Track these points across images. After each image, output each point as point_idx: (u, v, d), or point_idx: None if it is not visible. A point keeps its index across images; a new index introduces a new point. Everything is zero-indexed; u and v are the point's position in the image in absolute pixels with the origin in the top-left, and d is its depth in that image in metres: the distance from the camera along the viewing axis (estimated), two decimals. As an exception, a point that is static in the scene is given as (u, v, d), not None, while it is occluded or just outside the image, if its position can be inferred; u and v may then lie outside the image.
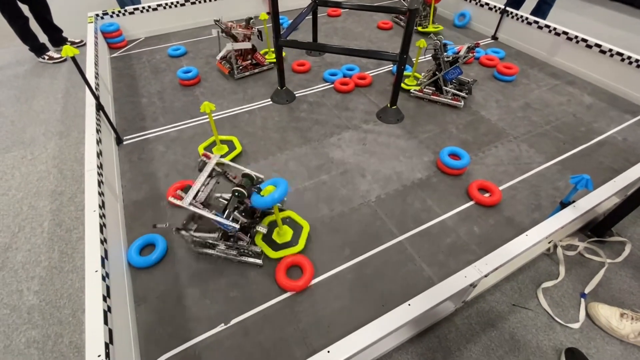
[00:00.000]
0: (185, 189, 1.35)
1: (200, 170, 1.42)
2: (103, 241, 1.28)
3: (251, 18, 2.59)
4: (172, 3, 3.26)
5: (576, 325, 1.43)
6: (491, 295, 1.53)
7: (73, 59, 1.62)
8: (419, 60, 2.61)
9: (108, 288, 1.17)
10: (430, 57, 2.35)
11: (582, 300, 1.50)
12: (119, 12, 3.12)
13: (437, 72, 2.36)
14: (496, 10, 3.18)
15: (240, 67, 2.67)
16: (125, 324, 1.23)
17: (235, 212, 1.39)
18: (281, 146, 2.10)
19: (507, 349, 1.37)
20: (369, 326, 1.07)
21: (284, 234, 1.56)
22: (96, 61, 2.40)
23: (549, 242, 1.68)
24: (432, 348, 1.37)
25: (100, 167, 1.61)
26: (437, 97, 2.42)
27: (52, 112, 2.74)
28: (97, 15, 3.04)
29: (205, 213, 1.31)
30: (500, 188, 1.83)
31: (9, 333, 1.48)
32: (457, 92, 2.39)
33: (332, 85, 2.62)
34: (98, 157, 1.63)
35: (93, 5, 3.60)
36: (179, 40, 3.22)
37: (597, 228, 1.75)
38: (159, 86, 2.62)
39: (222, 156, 1.97)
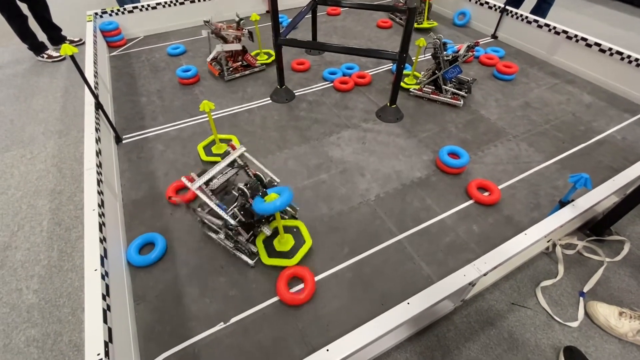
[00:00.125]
0: (199, 173, 1.37)
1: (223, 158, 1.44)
2: (102, 240, 1.28)
3: (242, 19, 2.54)
4: (171, 2, 3.25)
5: (575, 324, 1.43)
6: (490, 293, 1.54)
7: (72, 57, 1.62)
8: (418, 59, 2.61)
9: (107, 287, 1.17)
10: (430, 56, 2.34)
11: (581, 299, 1.51)
12: (118, 10, 3.11)
13: (436, 71, 2.36)
14: (496, 9, 3.17)
15: (231, 69, 2.64)
16: (124, 322, 1.23)
17: (236, 209, 1.39)
18: (280, 145, 2.10)
19: (506, 347, 1.37)
20: (368, 325, 1.08)
21: (285, 243, 1.52)
22: (95, 60, 2.40)
23: (548, 241, 1.68)
24: (431, 346, 1.37)
25: (99, 166, 1.60)
26: (437, 96, 2.42)
27: (51, 111, 2.74)
28: (96, 13, 3.03)
29: (207, 200, 1.34)
30: (500, 187, 1.83)
31: (8, 332, 1.48)
32: (457, 91, 2.39)
33: (332, 84, 2.61)
34: (97, 156, 1.63)
35: (92, 4, 3.60)
36: (178, 39, 3.21)
37: (596, 227, 1.75)
38: (158, 85, 2.61)
39: (222, 155, 1.98)
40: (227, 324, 1.32)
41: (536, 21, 2.89)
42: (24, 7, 3.15)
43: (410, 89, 2.50)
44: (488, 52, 2.98)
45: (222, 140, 2.07)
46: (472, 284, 1.26)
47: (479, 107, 2.41)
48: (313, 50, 3.01)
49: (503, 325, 1.44)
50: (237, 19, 2.54)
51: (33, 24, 3.26)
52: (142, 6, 3.17)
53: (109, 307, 1.12)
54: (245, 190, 1.38)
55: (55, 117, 2.67)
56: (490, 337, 1.40)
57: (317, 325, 1.31)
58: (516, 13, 3.03)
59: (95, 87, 2.09)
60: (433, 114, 2.35)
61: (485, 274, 1.22)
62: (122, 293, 1.31)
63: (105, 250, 1.27)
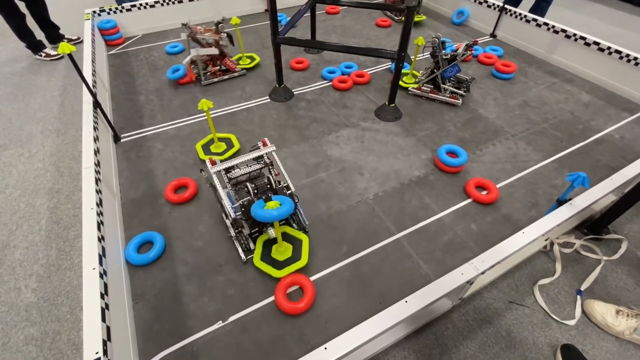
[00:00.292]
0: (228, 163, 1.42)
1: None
2: (101, 239, 1.28)
3: (220, 22, 2.45)
4: (169, 0, 3.24)
5: (572, 322, 1.44)
6: (488, 292, 1.54)
7: (70, 56, 1.62)
8: (417, 58, 2.61)
9: (106, 285, 1.17)
10: (429, 55, 2.34)
11: (578, 297, 1.51)
12: (116, 9, 3.10)
13: (435, 70, 2.36)
14: (495, 8, 3.17)
15: (208, 73, 2.57)
16: (123, 321, 1.23)
17: (242, 203, 1.40)
18: (279, 144, 2.09)
19: (504, 345, 1.38)
20: (366, 323, 1.08)
21: (282, 252, 1.49)
22: (93, 58, 2.39)
23: (546, 240, 1.68)
24: (429, 345, 1.38)
25: (97, 164, 1.60)
26: (435, 95, 2.42)
27: (49, 109, 2.73)
28: (94, 12, 3.02)
29: (218, 187, 1.38)
30: (498, 186, 1.83)
31: (7, 330, 1.48)
32: (455, 90, 2.40)
33: (331, 83, 2.61)
34: (95, 154, 1.63)
35: (90, 2, 3.59)
36: (177, 38, 3.20)
37: (593, 225, 1.76)
38: (156, 84, 2.61)
39: (219, 154, 1.98)
40: (226, 322, 1.32)
41: (535, 20, 2.89)
42: (21, 6, 3.13)
43: (409, 88, 2.50)
44: (487, 51, 2.98)
45: (220, 139, 2.07)
46: (470, 283, 1.26)
47: (478, 106, 2.41)
48: (312, 49, 3.01)
49: (501, 323, 1.44)
50: (217, 20, 2.43)
51: (31, 22, 3.25)
52: (140, 4, 3.16)
53: (107, 305, 1.12)
54: (250, 189, 1.39)
55: (54, 115, 2.66)
56: (488, 335, 1.41)
57: (316, 324, 1.31)
58: (515, 12, 3.03)
59: (94, 86, 2.08)
60: (431, 112, 2.35)
61: (483, 273, 1.22)
62: (120, 292, 1.31)
63: (103, 249, 1.27)
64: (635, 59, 2.40)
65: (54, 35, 3.52)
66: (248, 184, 1.42)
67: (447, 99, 2.39)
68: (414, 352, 1.36)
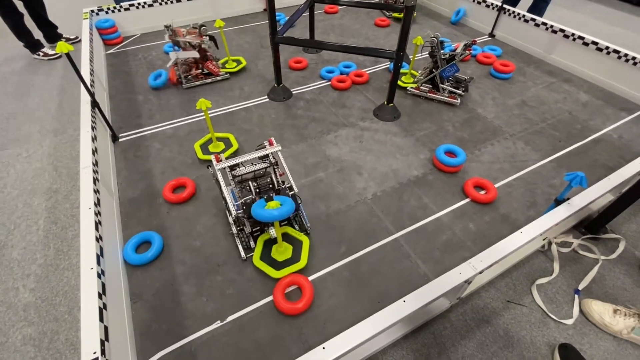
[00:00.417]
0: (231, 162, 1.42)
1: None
2: (98, 239, 1.28)
3: (203, 25, 2.37)
4: (168, -1, 3.24)
5: (570, 322, 1.44)
6: (486, 291, 1.55)
7: (68, 55, 1.61)
8: (415, 58, 2.61)
9: (104, 285, 1.16)
10: (427, 55, 2.35)
11: (576, 296, 1.52)
12: (115, 8, 3.09)
13: (433, 70, 2.36)
14: (493, 8, 3.17)
15: (189, 77, 2.52)
16: (121, 321, 1.23)
17: (244, 201, 1.40)
18: (279, 144, 2.09)
19: (502, 344, 1.38)
20: (365, 322, 1.08)
21: (282, 253, 1.49)
22: (91, 58, 2.39)
23: (544, 239, 1.69)
24: (427, 344, 1.38)
25: (95, 164, 1.60)
26: (434, 95, 2.42)
27: (47, 109, 2.72)
28: (92, 11, 3.01)
29: (222, 183, 1.39)
30: (496, 185, 1.83)
31: (5, 330, 1.48)
32: (454, 90, 2.40)
33: (329, 83, 2.61)
34: (93, 154, 1.63)
35: (88, 1, 3.58)
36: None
37: (591, 225, 1.76)
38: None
39: (219, 153, 1.98)
40: (224, 322, 1.32)
41: (533, 20, 2.90)
42: (19, 5, 3.13)
43: (408, 88, 2.50)
44: (485, 50, 2.99)
45: (219, 139, 2.07)
46: (468, 282, 1.27)
47: (476, 106, 2.42)
48: (310, 49, 3.01)
49: (499, 322, 1.45)
50: (200, 23, 2.40)
51: (29, 21, 3.24)
52: (139, 4, 3.15)
53: (105, 305, 1.11)
54: (253, 187, 1.40)
55: (51, 115, 2.66)
56: (486, 334, 1.41)
57: (314, 324, 1.31)
58: (513, 12, 3.03)
59: (92, 85, 2.08)
60: (430, 112, 2.36)
61: (481, 272, 1.22)
62: (118, 291, 1.31)
63: (101, 248, 1.27)
64: (634, 58, 2.40)
65: (52, 34, 3.51)
66: (251, 182, 1.42)
67: (446, 98, 2.39)
68: (412, 351, 1.36)
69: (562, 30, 2.72)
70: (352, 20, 3.55)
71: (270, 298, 1.38)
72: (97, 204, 1.42)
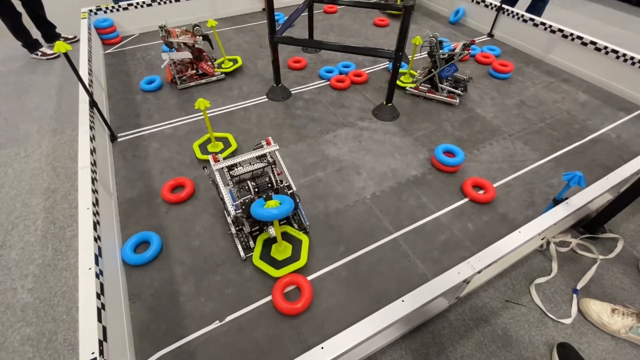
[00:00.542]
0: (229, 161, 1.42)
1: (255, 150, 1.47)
2: (97, 239, 1.28)
3: (197, 25, 2.37)
4: (166, -1, 3.23)
5: (568, 321, 1.44)
6: (484, 291, 1.55)
7: (66, 55, 1.61)
8: (414, 58, 2.61)
9: (102, 285, 1.16)
10: (426, 55, 2.34)
11: (574, 296, 1.52)
12: (113, 7, 3.09)
13: (432, 70, 2.36)
14: (492, 8, 3.18)
15: (184, 77, 2.51)
16: (119, 321, 1.23)
17: (242, 201, 1.40)
18: (276, 143, 2.09)
19: (500, 344, 1.38)
20: (363, 322, 1.08)
21: (282, 252, 1.49)
22: (90, 57, 2.38)
23: (542, 239, 1.69)
24: (426, 344, 1.38)
25: (94, 164, 1.60)
26: (433, 95, 2.42)
27: (46, 109, 2.72)
28: (91, 10, 3.01)
29: (220, 184, 1.38)
30: (495, 185, 1.84)
31: (3, 331, 1.48)
32: (453, 90, 2.40)
33: (328, 83, 2.61)
34: (92, 154, 1.63)
35: (86, 1, 3.56)
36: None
37: (589, 225, 1.77)
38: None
39: (217, 153, 1.97)
40: (223, 322, 1.32)
41: (532, 20, 2.90)
42: (17, 4, 3.11)
43: (407, 88, 2.50)
44: (484, 50, 2.99)
45: (217, 139, 2.07)
46: (466, 282, 1.27)
47: (475, 106, 2.42)
48: (309, 49, 3.00)
49: (497, 322, 1.45)
50: (194, 23, 2.39)
51: (27, 21, 3.23)
52: (137, 3, 3.15)
53: (103, 305, 1.11)
54: (251, 187, 1.39)
55: (50, 115, 2.65)
56: (484, 334, 1.41)
57: (313, 323, 1.31)
58: (512, 11, 3.04)
59: (90, 85, 2.08)
60: (429, 112, 2.36)
61: (479, 272, 1.23)
62: (117, 292, 1.31)
63: (99, 249, 1.27)
64: (632, 58, 2.41)
65: (50, 34, 3.50)
66: (249, 182, 1.42)
67: (445, 98, 2.40)
68: (410, 351, 1.36)
69: (560, 30, 2.73)
70: (351, 20, 3.55)
71: (269, 298, 1.38)
72: (96, 204, 1.42)
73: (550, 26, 2.79)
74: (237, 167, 1.44)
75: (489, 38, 3.26)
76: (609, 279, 1.60)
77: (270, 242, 1.53)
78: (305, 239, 1.54)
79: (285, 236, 1.56)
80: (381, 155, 2.03)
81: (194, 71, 2.54)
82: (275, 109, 2.37)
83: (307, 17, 2.84)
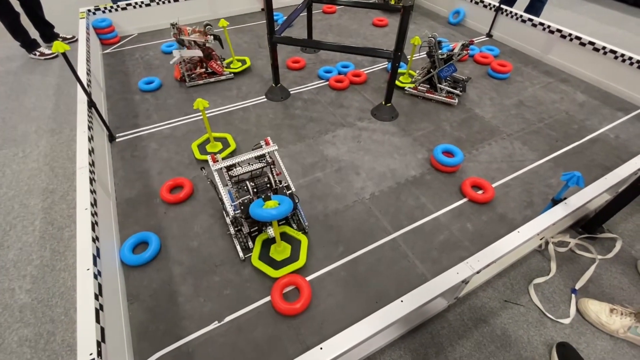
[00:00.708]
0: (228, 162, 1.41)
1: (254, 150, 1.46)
2: (95, 239, 1.28)
3: (208, 24, 2.37)
4: (165, -1, 3.23)
5: (567, 321, 1.45)
6: (483, 291, 1.55)
7: (64, 55, 1.61)
8: (413, 58, 2.61)
9: (100, 286, 1.16)
10: (425, 55, 2.35)
11: (573, 296, 1.52)
12: (112, 7, 3.08)
13: (431, 70, 2.36)
14: (491, 8, 3.18)
15: (193, 75, 2.53)
16: (117, 322, 1.23)
17: (241, 201, 1.40)
18: (275, 143, 2.08)
19: (499, 344, 1.39)
20: (362, 323, 1.08)
21: (281, 252, 1.48)
22: (88, 57, 2.38)
23: (541, 239, 1.69)
24: (425, 344, 1.38)
25: (92, 164, 1.59)
26: (432, 95, 2.42)
27: (44, 109, 2.71)
28: (89, 10, 3.00)
29: (219, 184, 1.37)
30: (493, 185, 1.84)
31: (1, 332, 1.47)
32: (452, 90, 2.40)
33: (327, 83, 2.61)
34: (90, 154, 1.62)
35: (85, 1, 3.56)
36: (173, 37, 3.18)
37: (588, 225, 1.77)
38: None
39: (216, 153, 1.97)
40: (222, 322, 1.31)
41: (531, 20, 2.91)
42: (16, 4, 3.10)
43: (405, 88, 2.50)
44: (483, 50, 2.99)
45: (216, 139, 2.06)
46: (465, 282, 1.27)
47: (474, 106, 2.42)
48: (308, 49, 3.00)
49: (496, 322, 1.45)
50: (206, 22, 2.39)
51: (25, 21, 3.22)
52: (136, 3, 3.14)
53: (101, 306, 1.11)
54: (250, 187, 1.39)
55: (48, 115, 2.64)
56: (483, 334, 1.41)
57: (312, 324, 1.31)
58: (511, 12, 3.04)
59: (88, 85, 2.07)
60: (428, 112, 2.36)
61: (478, 272, 1.23)
62: (115, 292, 1.31)
63: (98, 249, 1.26)
64: (630, 58, 2.41)
65: (49, 34, 3.49)
66: (248, 182, 1.42)
67: (444, 98, 2.40)
68: (409, 351, 1.36)
69: (559, 31, 2.73)
70: (350, 20, 3.55)
71: (268, 298, 1.38)
72: (94, 204, 1.42)
73: (548, 26, 2.80)
74: (236, 168, 1.44)
75: (487, 38, 3.27)
76: (608, 279, 1.61)
77: (269, 242, 1.53)
78: (304, 240, 1.54)
79: (284, 236, 1.56)
80: (380, 155, 2.03)
81: (203, 69, 2.55)
82: (274, 109, 2.37)
83: (305, 17, 2.83)
